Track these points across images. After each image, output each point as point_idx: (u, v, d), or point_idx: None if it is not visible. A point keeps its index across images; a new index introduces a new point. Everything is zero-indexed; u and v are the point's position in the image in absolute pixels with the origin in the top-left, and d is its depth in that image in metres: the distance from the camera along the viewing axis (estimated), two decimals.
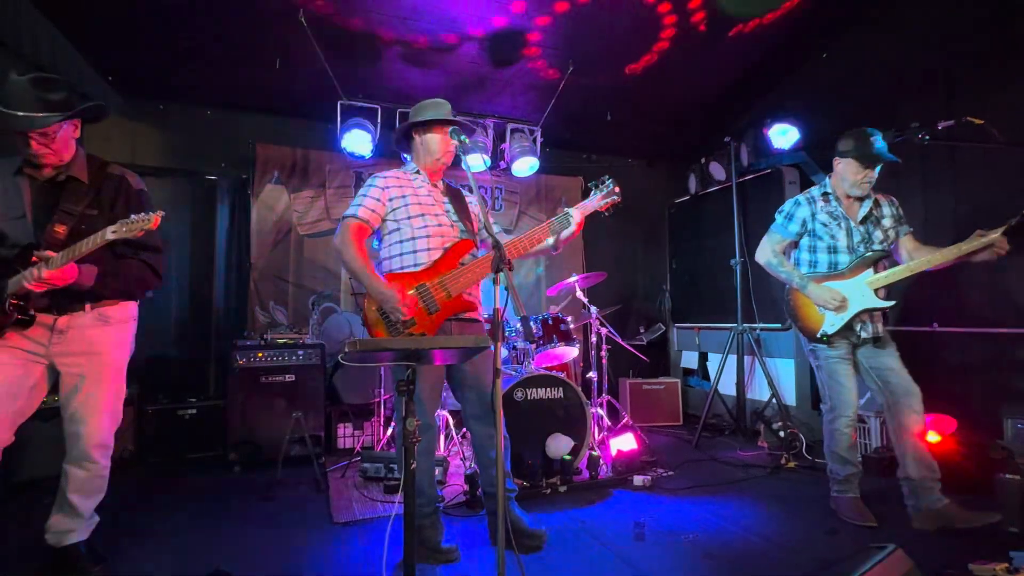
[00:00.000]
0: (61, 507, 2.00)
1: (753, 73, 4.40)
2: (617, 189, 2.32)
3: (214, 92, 4.28)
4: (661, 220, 5.68)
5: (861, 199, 2.55)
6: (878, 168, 2.46)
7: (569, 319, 3.58)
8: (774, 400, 3.96)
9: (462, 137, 2.10)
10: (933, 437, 3.23)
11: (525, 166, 4.68)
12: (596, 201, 2.32)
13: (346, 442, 3.91)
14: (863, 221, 2.56)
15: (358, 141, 4.12)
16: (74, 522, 2.01)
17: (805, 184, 4.29)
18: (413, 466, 1.53)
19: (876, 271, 2.50)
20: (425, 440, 2.17)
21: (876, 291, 2.47)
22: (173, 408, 3.62)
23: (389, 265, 2.22)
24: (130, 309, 2.13)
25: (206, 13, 3.43)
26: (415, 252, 2.17)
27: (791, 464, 3.42)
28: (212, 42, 3.68)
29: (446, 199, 2.32)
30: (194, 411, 3.65)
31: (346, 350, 1.35)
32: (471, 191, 2.28)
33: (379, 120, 4.18)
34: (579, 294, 3.87)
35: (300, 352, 3.68)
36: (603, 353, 3.89)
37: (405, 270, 2.17)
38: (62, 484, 1.99)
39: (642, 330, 5.15)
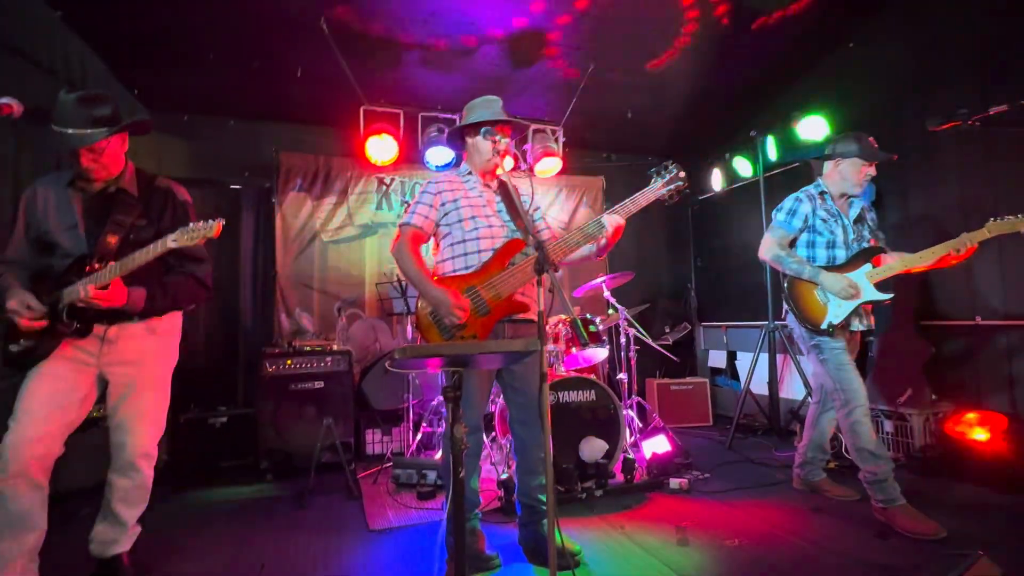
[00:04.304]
0: (105, 517, 2.01)
1: (778, 65, 4.30)
2: (682, 174, 2.19)
3: (237, 102, 4.31)
4: (684, 218, 5.60)
5: (852, 200, 2.72)
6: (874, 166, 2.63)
7: (598, 320, 3.53)
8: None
9: (498, 137, 2.08)
10: (981, 434, 3.12)
11: (547, 167, 4.65)
12: (658, 189, 2.20)
13: (375, 448, 3.90)
14: (856, 221, 2.72)
15: (381, 146, 4.12)
16: (118, 532, 2.01)
17: None
18: (462, 474, 1.49)
19: (873, 266, 2.60)
20: (472, 442, 2.12)
21: (875, 285, 2.57)
22: (204, 417, 3.61)
23: (442, 269, 2.22)
24: (176, 320, 2.15)
25: (229, 25, 3.45)
26: (465, 255, 2.17)
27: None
28: (235, 53, 3.70)
29: (497, 198, 2.29)
30: (225, 419, 3.64)
31: (395, 356, 1.32)
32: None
33: (402, 124, 4.18)
34: (606, 294, 3.82)
35: (328, 358, 3.67)
36: (632, 354, 3.83)
37: (456, 273, 2.16)
38: (106, 494, 2.00)
39: (667, 330, 5.05)
